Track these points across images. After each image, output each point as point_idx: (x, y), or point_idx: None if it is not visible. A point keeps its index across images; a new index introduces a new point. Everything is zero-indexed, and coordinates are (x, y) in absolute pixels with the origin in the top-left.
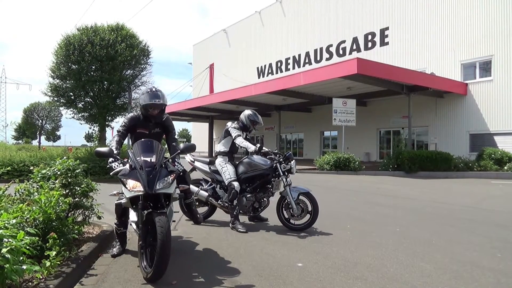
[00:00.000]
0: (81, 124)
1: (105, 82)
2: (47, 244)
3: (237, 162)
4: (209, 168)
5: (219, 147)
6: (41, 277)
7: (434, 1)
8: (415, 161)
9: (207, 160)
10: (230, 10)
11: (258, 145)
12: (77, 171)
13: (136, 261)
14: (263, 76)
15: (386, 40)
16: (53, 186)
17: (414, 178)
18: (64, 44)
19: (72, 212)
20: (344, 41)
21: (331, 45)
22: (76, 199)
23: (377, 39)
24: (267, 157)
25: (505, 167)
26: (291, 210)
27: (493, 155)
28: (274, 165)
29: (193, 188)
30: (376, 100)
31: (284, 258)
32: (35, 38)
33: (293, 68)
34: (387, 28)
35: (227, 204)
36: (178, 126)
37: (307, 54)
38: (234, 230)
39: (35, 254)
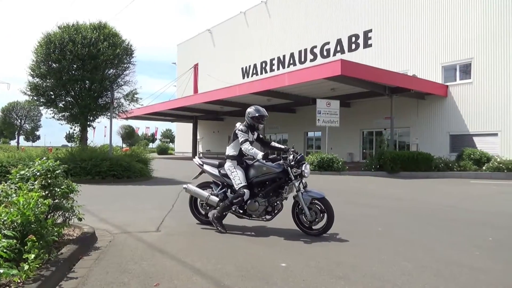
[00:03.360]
0: (61, 124)
1: (86, 81)
2: (26, 247)
3: (249, 163)
4: (219, 172)
5: (228, 150)
6: (19, 281)
7: (417, 5)
8: (397, 161)
9: (216, 162)
10: (214, 10)
11: (262, 153)
12: (57, 172)
13: (118, 263)
14: (248, 77)
15: (369, 42)
16: (32, 187)
17: (396, 178)
18: (45, 42)
19: (52, 214)
20: (328, 43)
21: (315, 46)
22: (56, 201)
23: (360, 41)
24: (275, 163)
25: (484, 167)
26: (304, 217)
27: (472, 156)
28: (286, 166)
29: (203, 193)
30: (359, 101)
31: (268, 259)
32: (13, 36)
33: (278, 69)
34: (370, 31)
35: (239, 210)
36: (162, 126)
37: (292, 55)
38: (214, 225)
39: (13, 257)
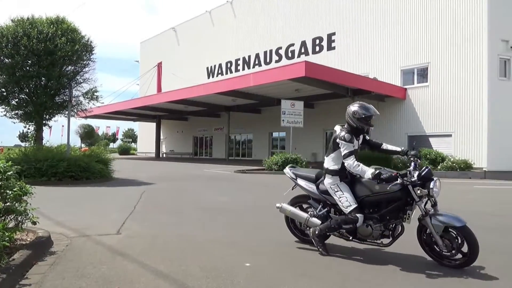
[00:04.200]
0: (14, 123)
1: (42, 78)
2: None
3: (355, 176)
4: (317, 187)
5: (327, 162)
6: None
7: (378, 10)
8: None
9: (313, 175)
10: (179, 8)
11: (372, 170)
12: (9, 173)
13: (75, 268)
14: (213, 77)
15: (333, 44)
16: None
17: None
18: None
19: (3, 218)
20: (293, 44)
21: (280, 48)
22: (8, 204)
23: (324, 43)
24: (393, 183)
25: (439, 167)
26: (435, 245)
27: (428, 156)
28: (406, 184)
29: (300, 214)
30: (322, 103)
31: (232, 259)
32: None
33: (243, 69)
34: (334, 34)
35: (345, 232)
36: (123, 125)
37: (257, 55)
38: (315, 244)
39: None
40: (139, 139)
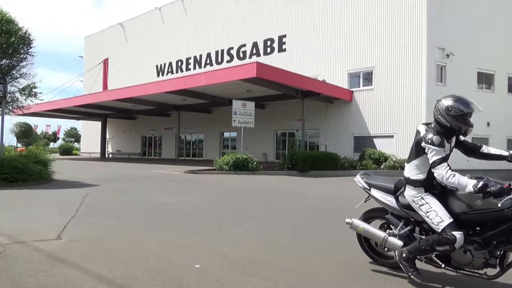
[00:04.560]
0: None
1: None
2: None
3: (445, 186)
4: (396, 201)
5: (409, 170)
6: None
7: (327, 14)
8: (307, 161)
9: (391, 185)
10: (127, 2)
11: (474, 182)
12: None
13: (10, 277)
14: (163, 75)
15: (284, 46)
16: None
17: (307, 177)
18: None
19: None
20: (244, 45)
21: (232, 48)
22: None
23: (275, 45)
24: (505, 198)
25: (382, 166)
26: None
27: (372, 156)
28: None
29: (376, 233)
30: (273, 103)
31: (181, 261)
32: None
33: (194, 68)
34: (284, 36)
35: (435, 257)
36: (65, 124)
37: (209, 55)
38: (403, 269)
39: None
40: (83, 138)
